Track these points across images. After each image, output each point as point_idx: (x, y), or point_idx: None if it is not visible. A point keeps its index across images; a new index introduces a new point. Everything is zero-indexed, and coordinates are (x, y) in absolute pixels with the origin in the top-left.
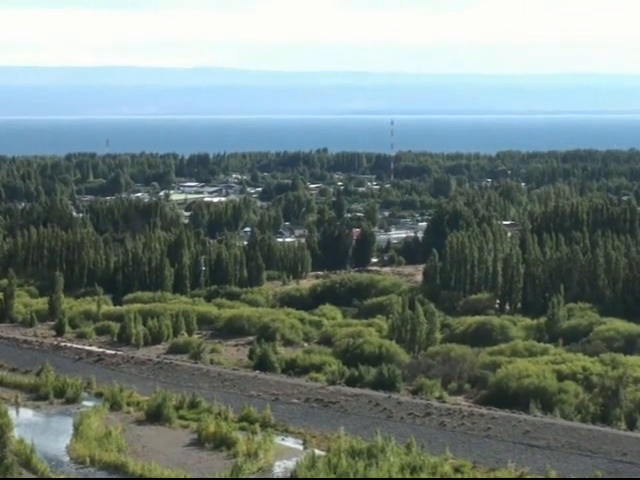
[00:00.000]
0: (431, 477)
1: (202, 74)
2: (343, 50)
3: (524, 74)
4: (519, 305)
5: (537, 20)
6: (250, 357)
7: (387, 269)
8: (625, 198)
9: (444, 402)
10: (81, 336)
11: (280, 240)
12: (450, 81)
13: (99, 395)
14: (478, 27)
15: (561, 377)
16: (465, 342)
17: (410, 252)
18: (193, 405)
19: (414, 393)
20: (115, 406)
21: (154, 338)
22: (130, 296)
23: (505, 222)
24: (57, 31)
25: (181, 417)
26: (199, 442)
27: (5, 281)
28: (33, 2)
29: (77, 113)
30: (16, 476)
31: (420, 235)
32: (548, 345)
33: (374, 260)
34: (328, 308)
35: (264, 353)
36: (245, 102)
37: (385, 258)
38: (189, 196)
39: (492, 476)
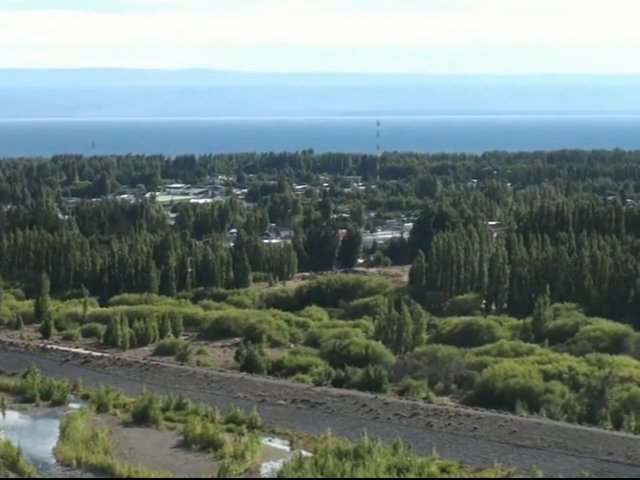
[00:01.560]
0: (418, 477)
1: (189, 75)
2: (330, 52)
3: (511, 75)
4: (505, 305)
5: (522, 21)
6: (237, 358)
7: (373, 270)
8: (610, 198)
9: (431, 402)
10: (67, 338)
11: (266, 241)
12: (436, 82)
13: (85, 397)
14: (465, 28)
15: (547, 377)
16: (451, 342)
17: (396, 253)
18: (180, 407)
19: (400, 394)
20: (102, 408)
21: (140, 340)
22: (116, 298)
23: (491, 222)
24: (43, 33)
25: (168, 419)
26: (186, 444)
27: None
28: (19, 4)
29: (63, 115)
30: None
31: (406, 236)
32: (534, 345)
33: (360, 261)
34: (314, 309)
35: (251, 354)
36: (232, 103)
37: (371, 259)
38: (175, 198)
39: (479, 476)
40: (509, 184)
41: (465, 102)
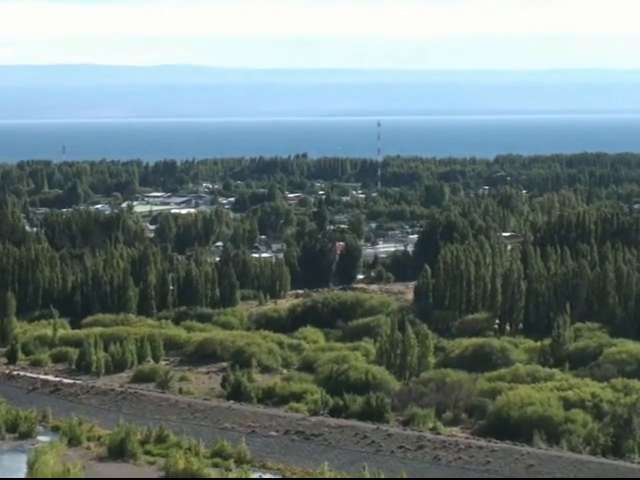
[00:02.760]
0: None
1: (167, 72)
2: (326, 46)
3: (525, 70)
4: (521, 326)
5: (540, 11)
6: (223, 385)
7: (374, 287)
8: (637, 206)
9: (438, 434)
10: (36, 364)
11: (256, 256)
12: (444, 79)
13: (56, 429)
14: (474, 21)
15: (568, 405)
16: (461, 367)
17: (400, 268)
18: (160, 439)
19: (405, 424)
20: (74, 441)
21: (117, 365)
22: (90, 319)
23: (505, 234)
24: (6, 26)
25: (147, 452)
26: None
27: None
28: None
29: (30, 117)
30: None
31: (410, 249)
32: (553, 370)
33: (360, 277)
34: (309, 330)
35: (239, 381)
36: (216, 103)
37: (372, 274)
38: (155, 207)
39: None
40: (524, 191)
41: (476, 101)
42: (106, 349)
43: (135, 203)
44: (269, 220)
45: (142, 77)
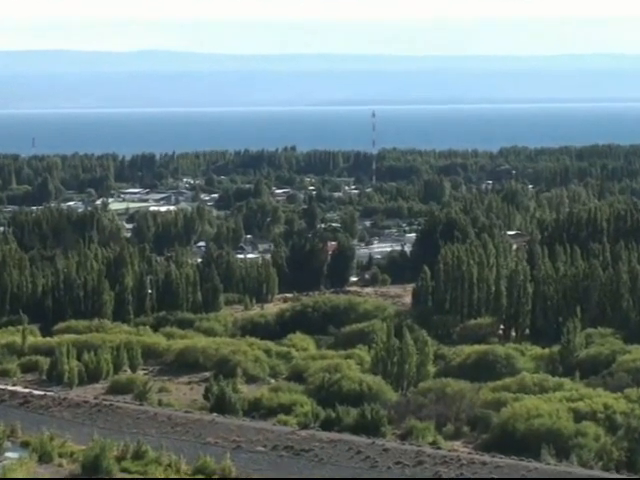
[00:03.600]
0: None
1: (146, 58)
2: (317, 30)
3: (531, 56)
4: (527, 331)
5: None
6: (206, 397)
7: (369, 290)
8: None
9: (439, 448)
10: (3, 374)
11: (241, 256)
12: (444, 65)
13: (25, 445)
14: (477, 3)
15: (578, 417)
16: (463, 376)
17: (396, 269)
18: (138, 455)
19: (403, 438)
20: (45, 458)
21: (91, 375)
22: (62, 325)
23: (510, 232)
24: None
25: (124, 470)
26: None
27: None
28: None
29: None
30: None
31: (408, 249)
32: (563, 379)
33: (353, 279)
34: (299, 337)
35: (222, 392)
36: (198, 92)
37: (366, 277)
38: (132, 205)
39: None
40: (531, 186)
41: (478, 89)
42: (79, 358)
43: (110, 200)
44: (255, 218)
45: (119, 64)
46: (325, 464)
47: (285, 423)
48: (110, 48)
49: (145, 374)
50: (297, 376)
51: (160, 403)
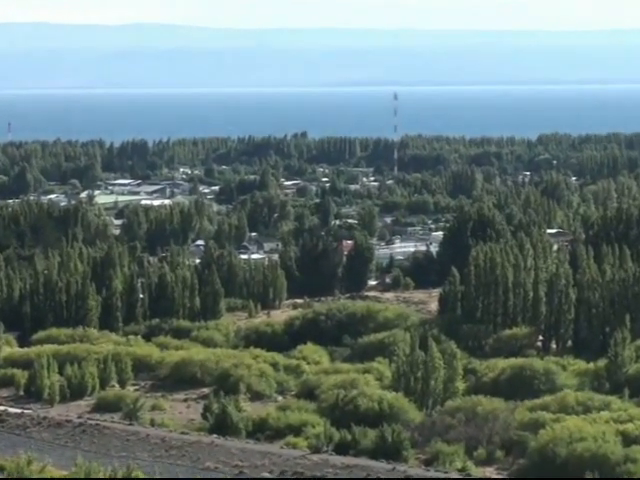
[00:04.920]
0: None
1: (135, 33)
2: (330, 2)
3: (573, 31)
4: (570, 343)
5: None
6: (204, 416)
7: (390, 295)
8: None
9: (469, 475)
10: None
11: (245, 257)
12: (474, 41)
13: (1, 470)
14: None
15: (627, 441)
16: (497, 394)
17: (421, 272)
18: None
19: (428, 463)
20: None
21: (74, 391)
22: (41, 334)
23: (550, 231)
24: None
25: None
26: None
27: None
28: None
29: None
30: None
31: (434, 249)
32: (609, 397)
33: (372, 283)
34: (310, 349)
35: (223, 411)
36: (194, 70)
37: (387, 280)
38: (121, 198)
39: None
40: (574, 178)
41: (513, 68)
42: (61, 372)
43: (97, 193)
44: (261, 214)
45: (105, 39)
46: None
47: (294, 446)
48: (97, 21)
49: (136, 390)
50: (308, 393)
51: (153, 423)
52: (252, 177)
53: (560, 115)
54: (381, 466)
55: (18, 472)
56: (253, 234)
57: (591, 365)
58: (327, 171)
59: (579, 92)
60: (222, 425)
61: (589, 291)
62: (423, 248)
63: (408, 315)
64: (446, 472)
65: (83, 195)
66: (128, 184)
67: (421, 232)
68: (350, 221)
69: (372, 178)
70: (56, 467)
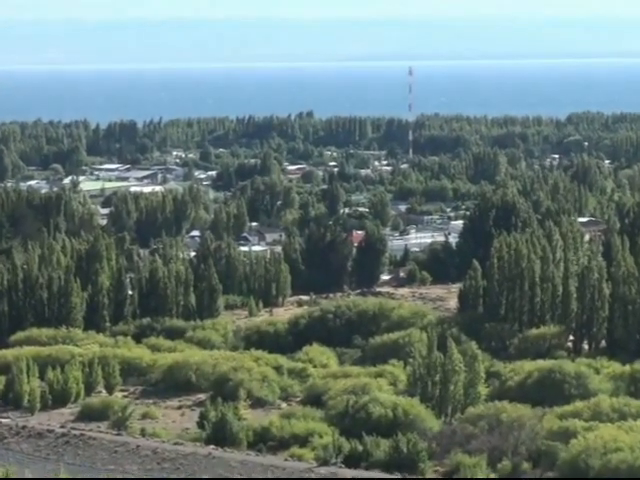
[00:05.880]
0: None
1: (125, 3)
2: None
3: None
4: (603, 343)
5: None
6: (201, 425)
7: (404, 291)
8: None
9: None
10: None
11: (244, 249)
12: (496, 11)
13: None
14: None
15: None
16: (523, 399)
17: (439, 265)
18: None
19: (448, 476)
20: None
21: (57, 398)
22: (20, 335)
23: (581, 219)
24: None
25: None
26: None
27: None
28: None
29: None
30: None
31: (453, 240)
32: None
33: (385, 278)
34: (317, 350)
35: (221, 419)
36: (190, 43)
37: (401, 275)
38: (108, 184)
39: None
40: (607, 162)
41: (539, 41)
42: (42, 376)
43: (82, 179)
44: (262, 201)
45: (88, 9)
46: None
47: (300, 458)
48: None
49: (124, 396)
50: (315, 399)
51: (143, 433)
52: (252, 161)
53: (592, 92)
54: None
55: None
56: (254, 224)
57: (627, 368)
58: (335, 154)
59: (612, 66)
60: (220, 435)
61: (624, 286)
62: (441, 239)
63: (425, 313)
64: None
65: (66, 181)
66: (116, 169)
67: (439, 221)
68: (361, 209)
69: (385, 162)
70: None
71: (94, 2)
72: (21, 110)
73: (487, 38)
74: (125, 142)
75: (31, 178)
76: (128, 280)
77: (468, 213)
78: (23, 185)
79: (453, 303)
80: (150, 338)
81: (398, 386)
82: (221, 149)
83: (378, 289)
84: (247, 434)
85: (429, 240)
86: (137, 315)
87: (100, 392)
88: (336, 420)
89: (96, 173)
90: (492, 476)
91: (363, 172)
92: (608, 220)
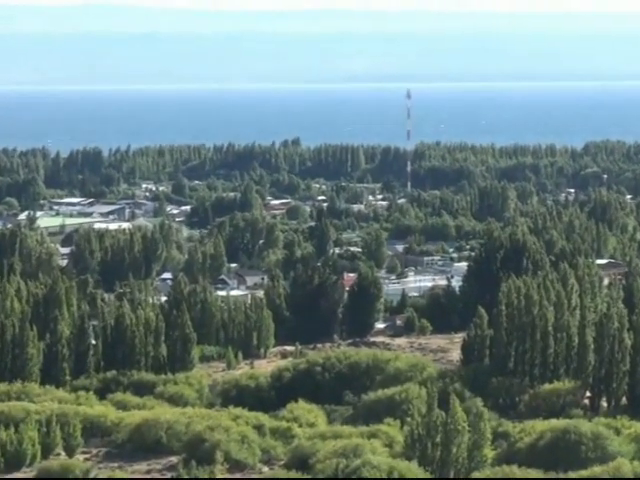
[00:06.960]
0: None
1: (93, 16)
2: None
3: (630, 13)
4: (624, 401)
5: None
6: None
7: (401, 341)
8: None
9: None
10: None
11: (222, 294)
12: (502, 25)
13: None
14: None
15: None
16: (534, 464)
17: (440, 312)
18: None
19: None
20: None
21: (10, 461)
22: None
23: (600, 261)
24: None
25: None
26: None
27: None
28: None
29: None
30: None
31: (456, 283)
32: None
33: (380, 326)
34: (303, 408)
35: None
36: (162, 62)
37: (398, 323)
38: (69, 221)
39: None
40: (629, 196)
41: (550, 59)
42: None
43: (39, 214)
44: (242, 240)
45: (54, 22)
46: None
47: None
48: (43, 1)
49: (87, 459)
50: (300, 462)
51: None
52: (231, 195)
53: (611, 119)
54: None
55: None
56: (233, 265)
57: None
58: (324, 187)
59: (635, 90)
60: None
61: None
62: (443, 283)
63: (424, 366)
64: None
65: (22, 217)
66: (78, 203)
67: (440, 263)
68: (353, 249)
69: (380, 196)
70: None
71: (57, 15)
72: None
73: (492, 57)
74: (88, 173)
75: None
76: (91, 328)
77: (473, 254)
78: None
79: (456, 355)
80: (116, 394)
81: (394, 448)
82: (196, 181)
83: (372, 339)
84: None
85: (429, 284)
86: (101, 368)
87: (59, 454)
88: None
89: (55, 208)
90: None
91: (356, 207)
92: (630, 262)
